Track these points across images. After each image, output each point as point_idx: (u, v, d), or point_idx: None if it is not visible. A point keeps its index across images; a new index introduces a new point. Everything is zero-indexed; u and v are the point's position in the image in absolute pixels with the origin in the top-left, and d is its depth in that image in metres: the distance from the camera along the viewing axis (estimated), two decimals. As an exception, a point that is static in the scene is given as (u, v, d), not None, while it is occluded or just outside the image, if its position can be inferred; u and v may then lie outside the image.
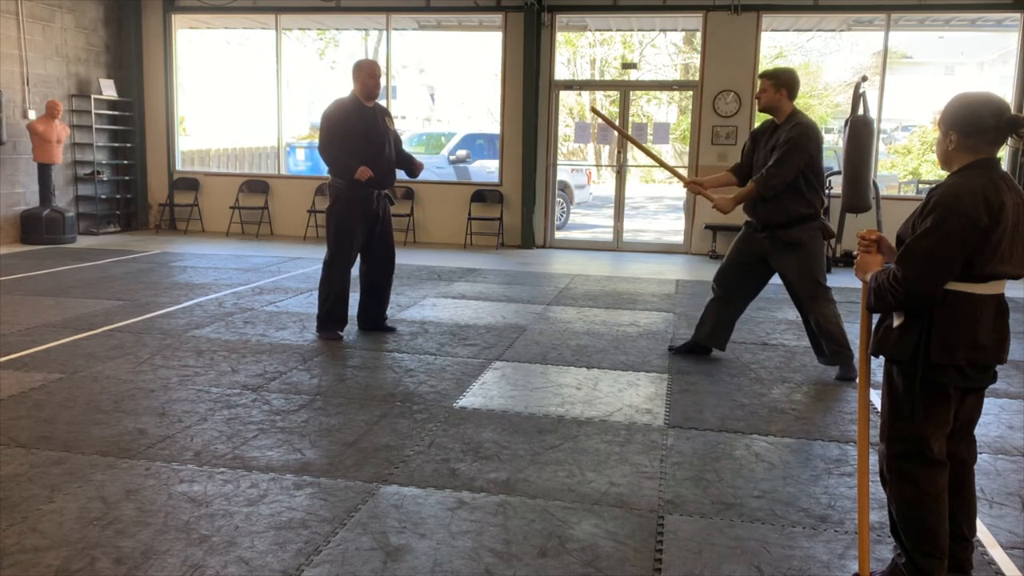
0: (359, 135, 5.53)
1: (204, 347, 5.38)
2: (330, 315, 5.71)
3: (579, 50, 22.09)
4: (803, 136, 4.76)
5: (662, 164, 5.75)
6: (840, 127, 12.82)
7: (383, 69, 6.15)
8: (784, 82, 4.85)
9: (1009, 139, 2.35)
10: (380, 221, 5.74)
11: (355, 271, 5.83)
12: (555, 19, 11.10)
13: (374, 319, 5.95)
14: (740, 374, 5.08)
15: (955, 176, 2.36)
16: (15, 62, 10.36)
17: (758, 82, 4.97)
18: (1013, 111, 2.36)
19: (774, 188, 4.81)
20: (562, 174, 14.16)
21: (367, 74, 5.56)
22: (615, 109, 15.68)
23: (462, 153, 14.45)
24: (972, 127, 2.33)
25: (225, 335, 5.72)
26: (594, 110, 6.11)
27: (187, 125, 14.06)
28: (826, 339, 4.96)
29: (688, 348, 5.46)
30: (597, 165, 21.97)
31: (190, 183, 12.33)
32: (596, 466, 3.54)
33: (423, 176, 6.49)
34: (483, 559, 2.72)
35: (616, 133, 6.29)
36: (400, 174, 5.94)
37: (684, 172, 11.11)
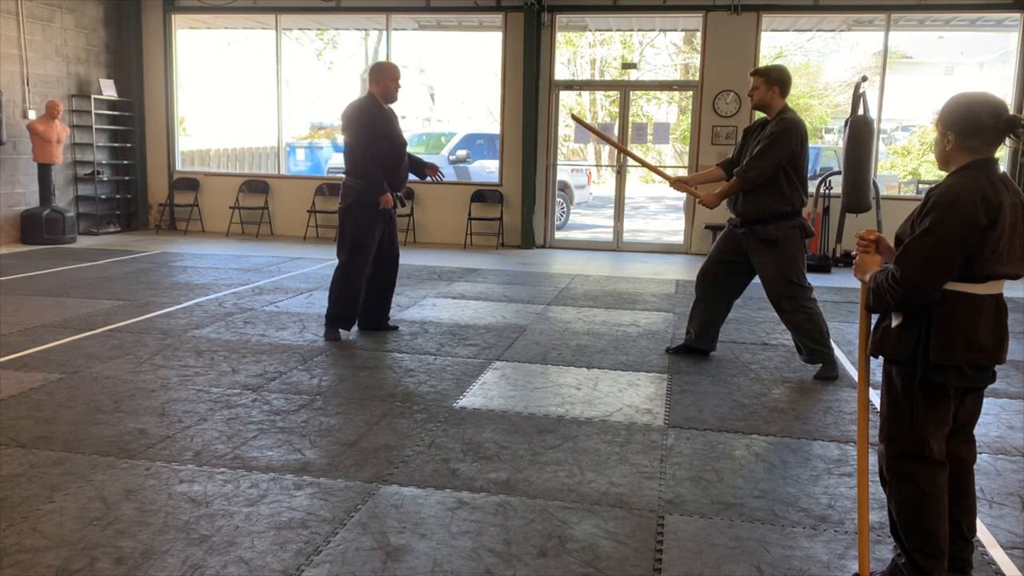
0: (385, 138, 5.49)
1: (204, 347, 5.38)
2: (340, 315, 5.69)
3: (579, 50, 22.08)
4: (786, 131, 4.75)
5: (646, 165, 5.76)
6: (840, 127, 12.82)
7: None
8: (776, 79, 4.84)
9: (1007, 139, 2.35)
10: (390, 222, 5.75)
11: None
12: (555, 19, 11.10)
13: (379, 319, 5.94)
14: (740, 374, 5.08)
15: (953, 176, 2.36)
16: (15, 62, 10.36)
17: (750, 80, 4.95)
18: (1012, 111, 2.36)
19: (753, 180, 4.80)
20: (562, 174, 14.17)
21: (390, 76, 5.51)
22: (615, 109, 15.68)
23: (462, 153, 14.45)
24: (970, 127, 2.33)
25: (225, 335, 5.72)
26: (573, 116, 6.13)
27: (187, 125, 14.06)
28: (803, 338, 4.95)
29: (683, 350, 5.47)
30: (597, 165, 21.98)
31: (190, 183, 12.33)
32: (596, 466, 3.54)
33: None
34: (483, 559, 2.72)
35: (603, 134, 6.31)
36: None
37: (685, 172, 11.15)
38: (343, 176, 5.66)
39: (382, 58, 12.14)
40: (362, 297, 5.74)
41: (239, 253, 10.02)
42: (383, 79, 5.51)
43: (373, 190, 5.48)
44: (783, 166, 4.78)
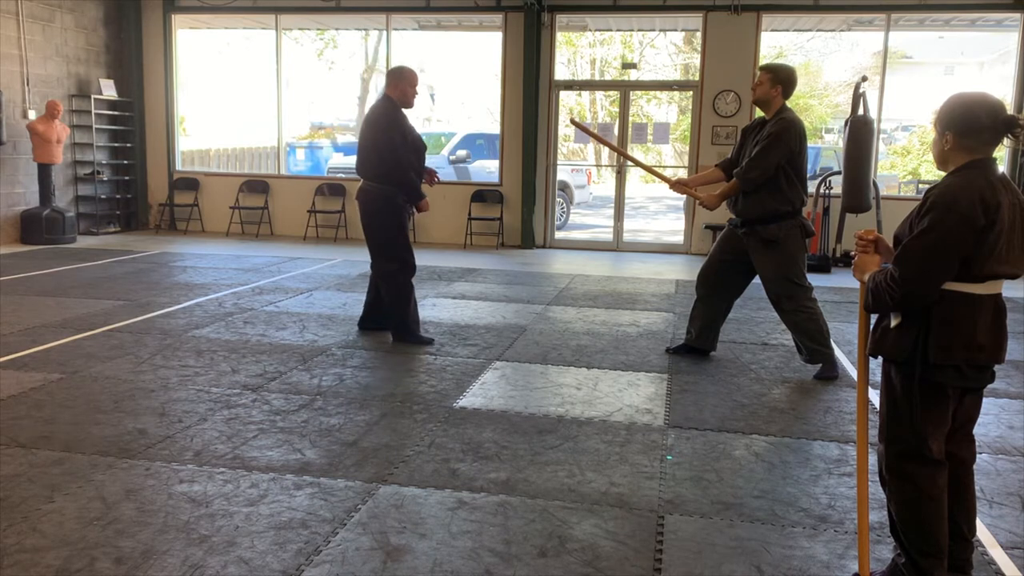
0: (410, 141, 5.46)
1: (204, 347, 5.38)
2: (415, 320, 5.66)
3: (579, 50, 22.08)
4: (785, 131, 4.75)
5: (645, 167, 5.76)
6: (840, 127, 12.82)
7: (383, 69, 6.12)
8: (782, 79, 4.83)
9: (1005, 139, 2.35)
10: None
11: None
12: (555, 19, 11.11)
13: (379, 319, 5.92)
14: (740, 374, 5.08)
15: (952, 176, 2.36)
16: (15, 62, 10.36)
17: (756, 72, 4.94)
18: (1011, 111, 2.36)
19: (753, 181, 4.80)
20: (562, 174, 14.17)
21: (409, 83, 5.47)
22: (615, 109, 15.68)
23: (462, 153, 14.46)
24: (968, 127, 2.33)
25: (225, 335, 5.72)
26: (572, 121, 6.13)
27: (187, 125, 14.06)
28: (803, 338, 4.96)
29: (683, 350, 5.46)
30: (597, 165, 21.97)
31: (190, 183, 12.33)
32: (596, 466, 3.54)
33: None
34: (483, 559, 2.72)
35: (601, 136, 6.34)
36: None
37: (685, 173, 11.17)
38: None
39: (382, 58, 12.15)
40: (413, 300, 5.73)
41: (239, 253, 10.02)
42: (402, 84, 5.46)
43: (412, 196, 5.49)
44: (782, 166, 4.79)
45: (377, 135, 5.40)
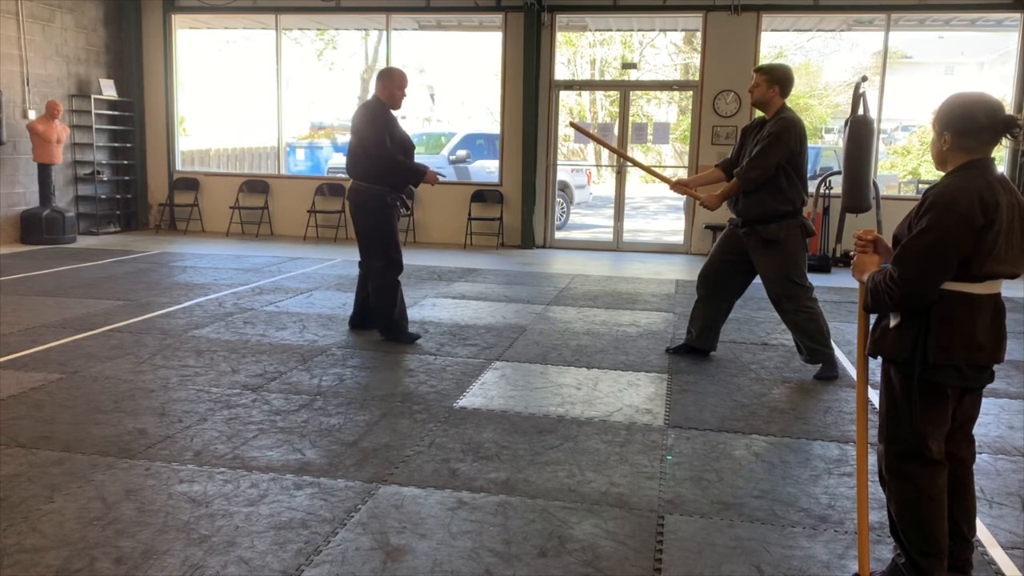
0: (400, 141, 5.47)
1: (204, 347, 5.38)
2: (403, 315, 5.68)
3: (579, 50, 22.08)
4: (785, 131, 4.74)
5: (646, 168, 5.76)
6: (840, 127, 12.82)
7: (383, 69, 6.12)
8: (778, 79, 4.83)
9: (1004, 139, 2.35)
10: None
11: (349, 272, 5.82)
12: (555, 19, 11.10)
13: (373, 320, 5.93)
14: (740, 374, 5.08)
15: (950, 176, 2.36)
16: (15, 62, 10.36)
17: (752, 75, 4.95)
18: (1011, 111, 2.37)
19: (754, 181, 4.80)
20: (562, 174, 14.16)
21: (398, 85, 5.49)
22: (615, 109, 15.69)
23: (462, 153, 14.46)
24: (966, 127, 2.33)
25: (225, 335, 5.72)
26: (572, 124, 6.13)
27: (187, 125, 14.06)
28: (803, 338, 4.96)
29: (683, 350, 5.46)
30: (597, 165, 21.97)
31: (190, 183, 12.33)
32: (596, 466, 3.54)
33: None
34: (483, 559, 2.72)
35: (601, 138, 6.34)
36: None
37: (685, 173, 11.17)
38: (348, 181, 5.62)
39: (382, 58, 12.15)
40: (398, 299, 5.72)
41: (239, 253, 10.02)
42: (390, 86, 5.48)
43: (414, 177, 5.52)
44: (783, 166, 4.78)
45: (365, 135, 5.44)
